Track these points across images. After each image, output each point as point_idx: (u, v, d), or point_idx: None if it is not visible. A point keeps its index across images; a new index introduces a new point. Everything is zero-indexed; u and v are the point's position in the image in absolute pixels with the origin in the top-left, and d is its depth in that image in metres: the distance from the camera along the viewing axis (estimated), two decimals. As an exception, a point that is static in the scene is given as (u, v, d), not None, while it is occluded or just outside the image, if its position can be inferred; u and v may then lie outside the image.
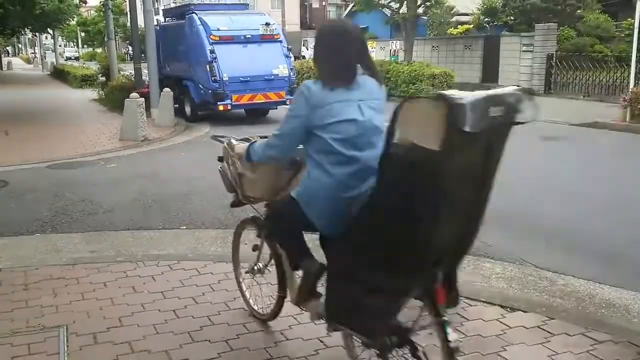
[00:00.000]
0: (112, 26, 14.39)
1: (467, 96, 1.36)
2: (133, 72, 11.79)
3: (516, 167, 6.16)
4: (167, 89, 9.75)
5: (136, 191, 5.29)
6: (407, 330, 1.77)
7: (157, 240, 3.96)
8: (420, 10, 16.51)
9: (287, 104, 10.27)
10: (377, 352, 1.83)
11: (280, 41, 10.33)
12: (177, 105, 10.39)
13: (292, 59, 10.95)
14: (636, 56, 8.99)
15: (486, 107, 1.40)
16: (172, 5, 13.22)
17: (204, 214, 4.58)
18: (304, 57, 29.96)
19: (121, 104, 11.29)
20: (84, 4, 17.63)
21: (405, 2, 15.49)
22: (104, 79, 14.47)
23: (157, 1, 46.62)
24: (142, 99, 8.07)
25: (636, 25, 8.70)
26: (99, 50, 50.35)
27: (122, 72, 14.32)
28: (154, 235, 4.06)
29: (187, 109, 10.80)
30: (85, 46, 56.01)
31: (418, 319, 1.79)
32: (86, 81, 17.41)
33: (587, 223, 4.36)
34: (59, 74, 21.89)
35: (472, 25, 18.32)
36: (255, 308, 2.69)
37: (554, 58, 13.62)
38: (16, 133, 8.84)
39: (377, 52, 20.65)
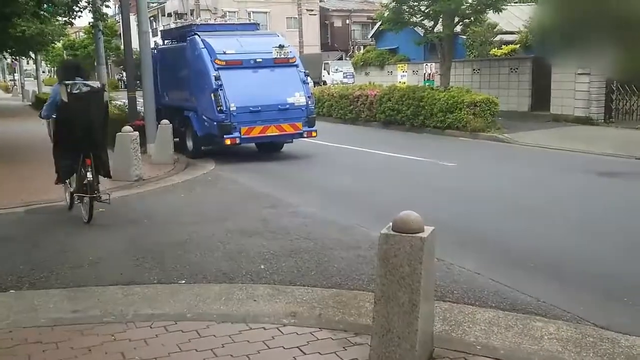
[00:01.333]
0: (102, 50, 15.17)
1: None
2: (126, 101, 12.26)
3: (571, 208, 6.27)
4: (165, 121, 10.09)
5: (127, 240, 5.40)
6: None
7: (150, 297, 4.01)
8: (458, 28, 16.95)
9: (304, 137, 10.51)
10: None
11: (297, 65, 10.69)
12: (177, 139, 10.73)
13: (311, 84, 11.26)
14: None
15: (82, 86, 5.79)
16: (172, 25, 13.78)
17: (206, 265, 4.63)
18: (324, 82, 30.73)
19: (113, 139, 11.79)
20: (70, 25, 18.42)
21: (440, 19, 15.95)
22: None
23: (154, 21, 49.25)
24: (136, 133, 8.37)
25: None
26: None
27: (113, 102, 14.93)
28: (147, 292, 4.11)
29: (189, 144, 11.12)
30: None
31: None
32: None
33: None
34: (42, 104, 22.78)
35: (518, 45, 18.61)
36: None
37: (615, 82, 13.67)
38: (-8, 172, 9.23)
39: (409, 76, 21.05)
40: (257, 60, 10.27)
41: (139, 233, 5.67)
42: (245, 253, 4.90)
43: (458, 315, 3.61)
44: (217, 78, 9.81)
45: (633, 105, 13.39)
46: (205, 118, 10.24)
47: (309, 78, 10.79)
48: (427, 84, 18.22)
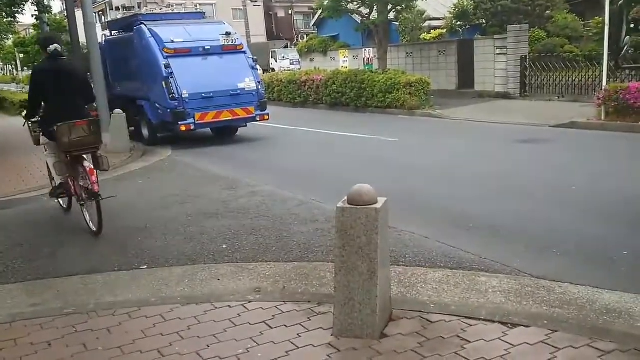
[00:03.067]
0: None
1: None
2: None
3: (501, 173, 6.35)
4: (118, 110, 9.42)
5: (84, 229, 4.93)
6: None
7: (112, 284, 3.66)
8: (392, 15, 16.82)
9: (257, 120, 10.12)
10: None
11: (244, 52, 10.21)
12: (132, 128, 10.06)
13: (260, 71, 10.83)
14: (607, 54, 9.36)
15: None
16: (119, 16, 12.81)
17: (167, 249, 4.30)
18: (273, 69, 30.04)
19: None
20: (16, 22, 17.09)
21: (375, 7, 15.76)
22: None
23: (103, 16, 46.22)
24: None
25: (606, 23, 9.07)
26: None
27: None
28: (108, 279, 3.75)
29: (144, 132, 10.48)
30: (25, 68, 54.95)
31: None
32: (25, 107, 16.87)
33: (579, 225, 4.41)
34: (-3, 102, 21.21)
35: (444, 30, 18.77)
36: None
37: (527, 60, 14.06)
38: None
39: (350, 61, 20.86)
40: (206, 47, 9.71)
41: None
42: (206, 235, 4.60)
43: (411, 278, 3.51)
44: (167, 66, 9.22)
45: (544, 80, 13.83)
46: (158, 106, 9.64)
47: (257, 64, 10.36)
48: (367, 67, 18.17)
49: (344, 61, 21.36)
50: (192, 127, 9.46)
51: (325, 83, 16.05)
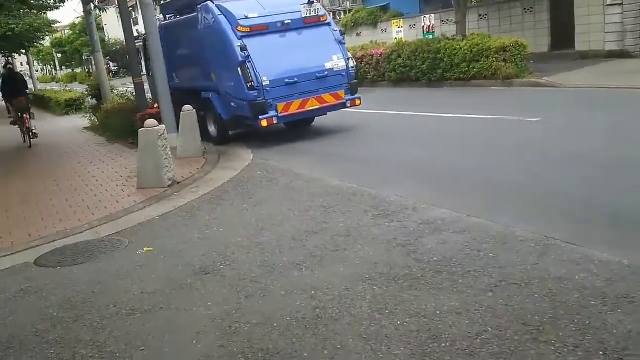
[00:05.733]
0: (97, 36, 12.24)
1: None
2: (132, 88, 9.60)
3: None
4: (188, 107, 7.52)
5: (167, 305, 3.04)
6: None
7: None
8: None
9: (347, 107, 8.04)
10: None
11: (329, 24, 8.05)
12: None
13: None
14: None
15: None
16: None
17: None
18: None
19: (122, 131, 9.27)
20: (56, 22, 17.01)
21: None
22: (94, 101, 12.34)
23: (134, 11, 44.43)
24: (163, 127, 5.82)
25: None
26: (78, 70, 49.25)
27: (115, 91, 12.17)
28: None
29: (212, 129, 8.60)
30: (63, 68, 54.85)
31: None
32: (72, 106, 15.83)
33: None
34: (39, 101, 19.92)
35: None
36: None
37: (651, 9, 11.33)
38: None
39: (405, 31, 18.43)
40: (286, 22, 7.61)
41: (219, 296, 3.24)
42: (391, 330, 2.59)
43: None
44: (243, 48, 7.18)
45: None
46: (232, 98, 7.69)
47: (344, 37, 8.20)
48: (427, 36, 15.75)
49: (397, 32, 18.95)
50: (275, 121, 7.45)
51: (388, 57, 13.77)
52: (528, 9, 14.37)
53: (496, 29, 15.06)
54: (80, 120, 12.59)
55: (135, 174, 6.37)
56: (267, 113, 7.33)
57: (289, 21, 7.61)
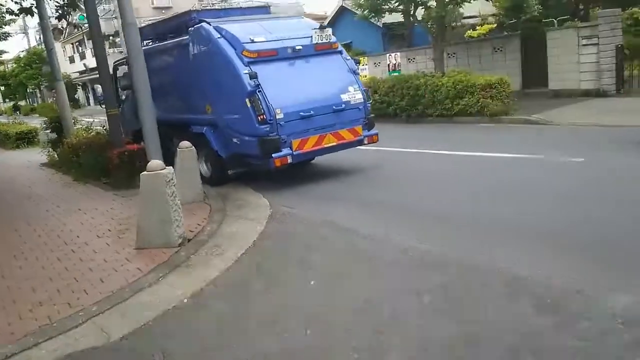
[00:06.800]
0: (58, 65, 10.63)
1: None
2: (94, 121, 8.14)
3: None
4: (185, 143, 6.22)
5: None
6: None
7: None
8: (433, 13, 14.01)
9: (364, 144, 7.07)
10: None
11: (341, 51, 7.17)
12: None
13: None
14: None
15: None
16: (158, 19, 9.66)
17: None
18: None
19: (92, 170, 7.71)
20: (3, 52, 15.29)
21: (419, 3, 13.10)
22: (53, 135, 10.59)
23: (80, 46, 41.58)
24: (171, 172, 4.49)
25: None
26: (22, 102, 46.94)
27: (78, 125, 10.54)
28: None
29: (204, 168, 7.32)
30: (6, 100, 51.71)
31: None
32: (23, 139, 14.30)
33: None
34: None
35: (495, 25, 16.23)
36: None
37: (623, 50, 11.52)
38: None
39: (369, 68, 18.18)
40: (297, 47, 6.62)
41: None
42: None
43: None
44: (253, 77, 6.07)
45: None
46: (233, 133, 6.50)
47: (359, 66, 7.31)
48: (393, 74, 15.51)
49: (361, 70, 18.71)
50: (289, 160, 6.31)
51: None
52: (498, 49, 14.41)
53: (465, 67, 14.96)
54: (36, 155, 10.77)
55: (127, 226, 4.97)
56: (281, 151, 6.20)
57: (300, 47, 6.63)
